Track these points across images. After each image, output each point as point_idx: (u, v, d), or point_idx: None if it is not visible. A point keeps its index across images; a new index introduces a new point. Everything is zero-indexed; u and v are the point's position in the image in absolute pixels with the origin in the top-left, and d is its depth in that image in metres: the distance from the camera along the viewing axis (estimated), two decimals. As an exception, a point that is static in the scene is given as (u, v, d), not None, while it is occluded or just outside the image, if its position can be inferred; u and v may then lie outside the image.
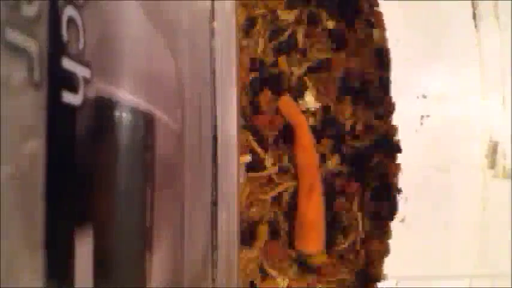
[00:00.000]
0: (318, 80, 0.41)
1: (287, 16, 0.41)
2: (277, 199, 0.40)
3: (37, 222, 0.14)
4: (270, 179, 0.40)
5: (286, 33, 0.41)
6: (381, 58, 0.42)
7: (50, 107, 0.15)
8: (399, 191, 0.42)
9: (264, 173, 0.40)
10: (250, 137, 0.39)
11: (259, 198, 0.40)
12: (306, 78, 0.41)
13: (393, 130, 0.42)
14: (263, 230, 0.39)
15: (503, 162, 0.44)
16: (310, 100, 0.41)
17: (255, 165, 0.40)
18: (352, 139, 0.42)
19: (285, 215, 0.41)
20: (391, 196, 0.42)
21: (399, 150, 0.42)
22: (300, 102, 0.41)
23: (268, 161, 0.40)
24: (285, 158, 0.40)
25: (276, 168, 0.40)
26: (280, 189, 0.40)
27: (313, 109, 0.41)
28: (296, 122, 0.40)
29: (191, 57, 0.25)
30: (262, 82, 0.40)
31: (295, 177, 0.40)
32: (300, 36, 0.41)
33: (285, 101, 0.40)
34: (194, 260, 0.25)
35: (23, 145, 0.14)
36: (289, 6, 0.41)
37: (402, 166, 0.42)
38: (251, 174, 0.39)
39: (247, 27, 0.40)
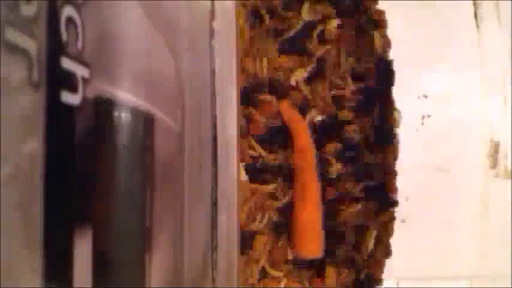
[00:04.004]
0: (318, 83, 0.41)
1: (289, 15, 0.41)
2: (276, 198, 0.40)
3: (36, 222, 0.14)
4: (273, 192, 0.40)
5: (289, 33, 0.41)
6: (383, 61, 0.42)
7: (49, 107, 0.15)
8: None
9: (268, 187, 0.40)
10: (251, 139, 0.39)
11: (264, 210, 0.40)
12: (305, 86, 0.41)
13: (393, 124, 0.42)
14: (262, 239, 0.39)
15: (505, 162, 0.44)
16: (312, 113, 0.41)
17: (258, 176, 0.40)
18: (353, 139, 0.42)
19: (285, 216, 0.40)
20: (390, 197, 0.42)
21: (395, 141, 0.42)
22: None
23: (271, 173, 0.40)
24: (281, 160, 0.40)
25: (279, 183, 0.40)
26: (284, 200, 0.40)
27: (314, 116, 0.41)
28: (296, 126, 0.40)
29: (191, 57, 0.25)
30: (262, 86, 0.40)
31: (292, 179, 0.40)
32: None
33: (286, 105, 0.40)
34: (194, 260, 0.25)
35: (22, 145, 0.14)
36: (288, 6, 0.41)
37: (403, 166, 0.42)
38: (255, 186, 0.39)
39: (250, 27, 0.40)
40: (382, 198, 0.42)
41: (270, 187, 0.40)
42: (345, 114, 0.41)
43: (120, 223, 0.19)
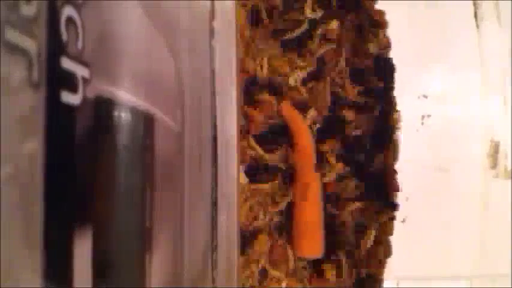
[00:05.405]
0: (318, 83, 0.41)
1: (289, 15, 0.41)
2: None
3: (36, 222, 0.14)
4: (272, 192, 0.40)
5: (292, 34, 0.41)
6: (383, 61, 0.42)
7: (49, 107, 0.15)
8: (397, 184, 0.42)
9: (267, 186, 0.40)
10: (251, 140, 0.39)
11: (264, 209, 0.40)
12: (304, 86, 0.41)
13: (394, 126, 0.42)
14: (263, 240, 0.39)
15: (505, 162, 0.44)
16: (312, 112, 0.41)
17: (257, 176, 0.40)
18: (354, 139, 0.42)
19: (285, 216, 0.40)
20: (390, 196, 0.42)
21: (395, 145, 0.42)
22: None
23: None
24: (281, 160, 0.40)
25: (278, 183, 0.40)
26: (285, 201, 0.40)
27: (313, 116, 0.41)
28: (296, 125, 0.40)
29: (191, 57, 0.25)
30: (261, 85, 0.40)
31: (292, 179, 0.40)
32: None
33: (287, 105, 0.40)
34: (194, 260, 0.25)
35: (22, 145, 0.14)
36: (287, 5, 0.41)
37: (403, 166, 0.42)
38: (254, 186, 0.39)
39: (250, 27, 0.40)
40: (382, 199, 0.42)
41: (269, 186, 0.40)
42: (345, 114, 0.41)
43: (120, 223, 0.19)
